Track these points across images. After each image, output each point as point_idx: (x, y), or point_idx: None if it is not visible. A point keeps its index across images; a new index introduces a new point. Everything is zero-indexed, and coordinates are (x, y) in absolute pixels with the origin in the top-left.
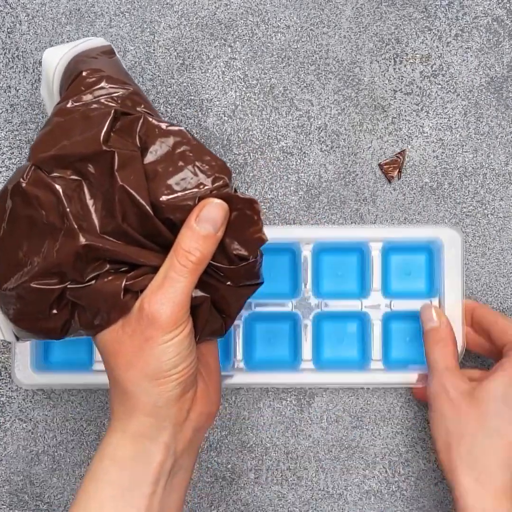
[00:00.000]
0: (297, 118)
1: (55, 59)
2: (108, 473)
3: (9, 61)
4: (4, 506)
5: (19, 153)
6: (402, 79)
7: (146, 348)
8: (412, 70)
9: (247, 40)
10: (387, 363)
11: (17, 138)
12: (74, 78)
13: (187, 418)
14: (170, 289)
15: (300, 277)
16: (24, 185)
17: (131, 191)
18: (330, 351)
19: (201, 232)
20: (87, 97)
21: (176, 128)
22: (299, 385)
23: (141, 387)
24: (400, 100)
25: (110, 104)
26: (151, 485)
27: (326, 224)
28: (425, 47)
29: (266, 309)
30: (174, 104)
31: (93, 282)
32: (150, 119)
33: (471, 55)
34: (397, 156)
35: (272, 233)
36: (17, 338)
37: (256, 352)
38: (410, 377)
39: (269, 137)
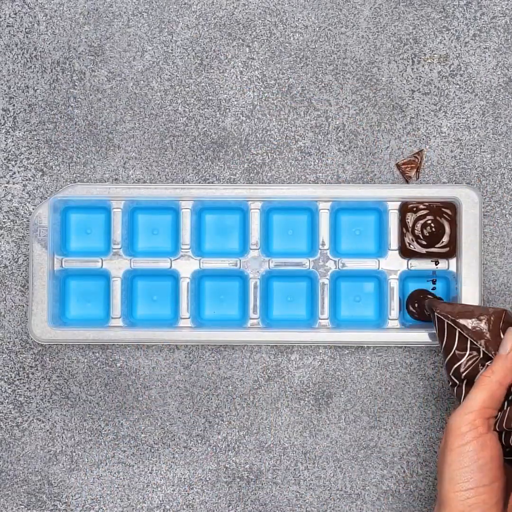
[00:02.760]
0: (315, 118)
1: None
2: None
3: (27, 61)
4: (22, 506)
5: (37, 153)
6: (420, 79)
7: (445, 454)
8: (430, 70)
9: (265, 40)
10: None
11: (35, 138)
12: None
13: None
14: (465, 400)
15: (317, 237)
16: None
17: None
18: (347, 310)
19: (498, 353)
20: None
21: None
22: (314, 343)
23: (440, 494)
24: (418, 100)
25: None
26: None
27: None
28: (443, 47)
29: (283, 268)
30: (192, 104)
31: None
32: None
33: (489, 55)
34: (414, 156)
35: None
36: None
37: (273, 310)
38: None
39: (287, 137)
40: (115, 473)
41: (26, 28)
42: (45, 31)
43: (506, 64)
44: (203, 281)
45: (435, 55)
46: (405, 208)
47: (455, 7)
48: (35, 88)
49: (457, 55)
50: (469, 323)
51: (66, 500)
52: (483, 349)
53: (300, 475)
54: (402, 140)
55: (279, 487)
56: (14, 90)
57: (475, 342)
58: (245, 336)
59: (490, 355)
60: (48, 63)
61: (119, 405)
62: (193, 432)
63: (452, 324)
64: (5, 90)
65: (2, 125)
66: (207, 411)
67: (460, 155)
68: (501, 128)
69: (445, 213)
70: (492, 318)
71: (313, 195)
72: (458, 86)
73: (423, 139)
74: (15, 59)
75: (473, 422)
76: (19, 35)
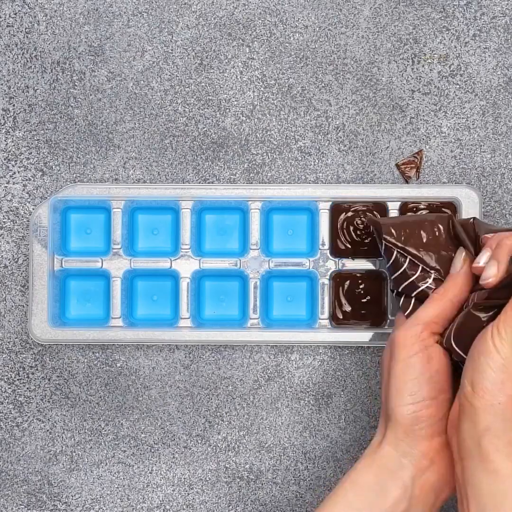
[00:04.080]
0: (315, 118)
1: None
2: (346, 495)
3: (27, 61)
4: (22, 506)
5: (37, 153)
6: (420, 79)
7: (391, 367)
8: (430, 70)
9: (265, 40)
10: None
11: (35, 138)
12: None
13: (428, 468)
14: (413, 315)
15: (317, 237)
16: None
17: None
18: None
19: (450, 272)
20: None
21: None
22: (314, 343)
23: (386, 408)
24: (418, 100)
25: None
26: None
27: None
28: (443, 47)
29: (283, 268)
30: (192, 104)
31: None
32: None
33: (489, 55)
34: (414, 156)
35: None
36: None
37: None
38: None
39: (287, 137)
40: (115, 473)
41: (26, 28)
42: (45, 31)
43: (506, 64)
44: (203, 281)
45: (435, 55)
46: (405, 208)
47: (455, 7)
48: (35, 88)
49: (457, 55)
50: (419, 249)
51: (66, 500)
52: (435, 274)
53: (300, 475)
54: (402, 140)
55: (279, 487)
56: (14, 90)
57: (426, 267)
58: (245, 336)
59: (441, 278)
60: (48, 63)
61: (119, 405)
62: (193, 432)
63: (402, 251)
64: (5, 90)
65: (2, 125)
66: (207, 411)
67: (460, 155)
68: (501, 128)
69: (445, 213)
70: (439, 229)
71: (313, 195)
72: (458, 86)
73: (423, 139)
74: (15, 59)
75: (420, 334)
76: (19, 35)
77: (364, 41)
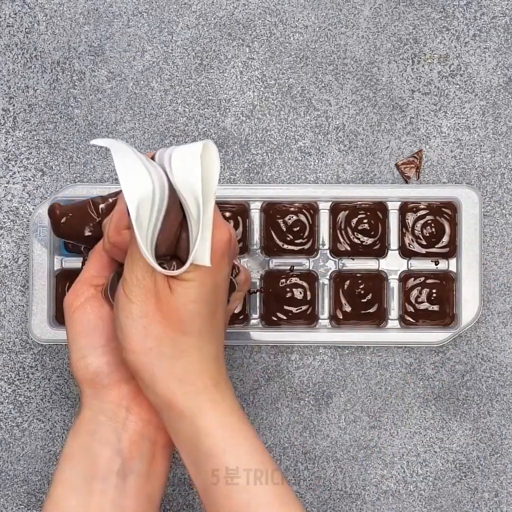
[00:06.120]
0: (315, 118)
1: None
2: (64, 474)
3: (27, 61)
4: (22, 506)
5: (37, 153)
6: (420, 79)
7: (66, 329)
8: (430, 70)
9: (265, 40)
10: None
11: (35, 138)
12: None
13: (127, 418)
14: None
15: (318, 237)
16: None
17: None
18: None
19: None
20: None
21: None
22: (314, 343)
23: (70, 367)
24: (418, 100)
25: None
26: (99, 482)
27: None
28: (443, 47)
29: (283, 267)
30: (192, 104)
31: None
32: None
33: (489, 55)
34: (413, 156)
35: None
36: None
37: None
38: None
39: (287, 137)
40: None
41: (26, 28)
42: (45, 31)
43: (506, 64)
44: None
45: (435, 55)
46: (405, 208)
47: (455, 7)
48: (35, 88)
49: (457, 55)
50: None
51: None
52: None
53: (300, 475)
54: (402, 140)
55: None
56: (14, 90)
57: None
58: (245, 335)
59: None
60: (48, 63)
61: None
62: None
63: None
64: (5, 90)
65: (2, 125)
66: None
67: (460, 155)
68: (501, 128)
69: (445, 213)
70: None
71: (313, 195)
72: (458, 86)
73: (423, 139)
74: (15, 59)
75: (80, 289)
76: (19, 35)
77: (364, 41)
